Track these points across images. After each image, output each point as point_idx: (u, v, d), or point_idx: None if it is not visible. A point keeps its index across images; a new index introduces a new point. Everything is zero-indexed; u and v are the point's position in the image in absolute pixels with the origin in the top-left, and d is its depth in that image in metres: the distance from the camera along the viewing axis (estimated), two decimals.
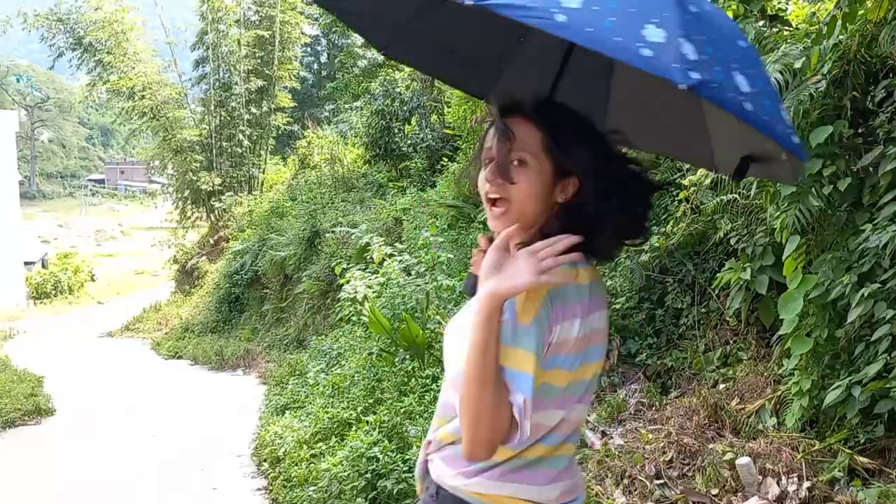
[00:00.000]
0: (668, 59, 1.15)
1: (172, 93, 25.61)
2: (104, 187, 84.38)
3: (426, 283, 5.77)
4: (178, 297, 25.31)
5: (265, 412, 7.40)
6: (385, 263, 6.30)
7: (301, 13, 25.55)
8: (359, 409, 4.72)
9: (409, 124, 14.06)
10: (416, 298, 5.26)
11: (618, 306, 4.96)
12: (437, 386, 4.46)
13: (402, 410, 3.98)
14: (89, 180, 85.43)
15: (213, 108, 25.23)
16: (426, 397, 4.35)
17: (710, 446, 3.57)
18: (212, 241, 23.91)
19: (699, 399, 4.12)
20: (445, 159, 10.09)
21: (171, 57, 26.74)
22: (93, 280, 45.43)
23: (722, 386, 4.25)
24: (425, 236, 6.82)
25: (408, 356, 4.84)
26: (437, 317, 5.40)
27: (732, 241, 4.45)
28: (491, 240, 1.46)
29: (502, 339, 1.33)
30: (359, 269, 6.19)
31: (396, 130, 14.54)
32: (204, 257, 23.42)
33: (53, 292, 42.74)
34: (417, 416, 3.94)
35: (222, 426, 8.20)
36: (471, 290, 1.53)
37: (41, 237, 56.92)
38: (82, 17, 24.96)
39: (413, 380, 4.57)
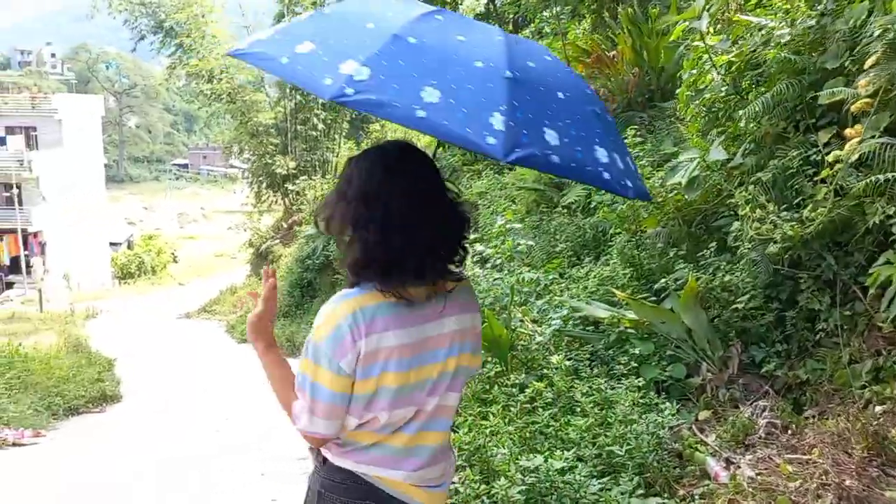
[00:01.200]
0: (508, 141, 1.37)
1: (249, 76, 25.62)
2: (188, 171, 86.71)
3: (505, 276, 5.11)
4: (253, 280, 25.41)
5: None
6: None
7: None
8: None
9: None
10: (493, 294, 4.61)
11: (739, 305, 4.17)
12: (524, 396, 3.80)
13: (486, 430, 3.34)
14: (174, 165, 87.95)
15: (288, 91, 25.11)
16: (511, 409, 3.70)
17: (885, 494, 2.79)
18: (286, 225, 23.82)
19: (851, 424, 3.32)
20: None
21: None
22: (175, 261, 46.61)
23: (879, 409, 3.44)
24: (500, 224, 6.15)
25: (489, 359, 4.21)
26: (520, 314, 4.73)
27: (890, 230, 3.61)
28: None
29: (302, 352, 1.68)
30: None
31: None
32: (278, 241, 23.35)
33: (137, 273, 44.00)
34: (505, 436, 3.30)
35: (285, 425, 7.73)
36: None
37: (128, 219, 58.78)
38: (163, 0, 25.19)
39: (495, 388, 3.93)
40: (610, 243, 5.83)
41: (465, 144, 1.40)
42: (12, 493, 5.83)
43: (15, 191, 35.33)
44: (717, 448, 3.66)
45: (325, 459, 1.76)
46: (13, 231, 36.03)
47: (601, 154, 1.59)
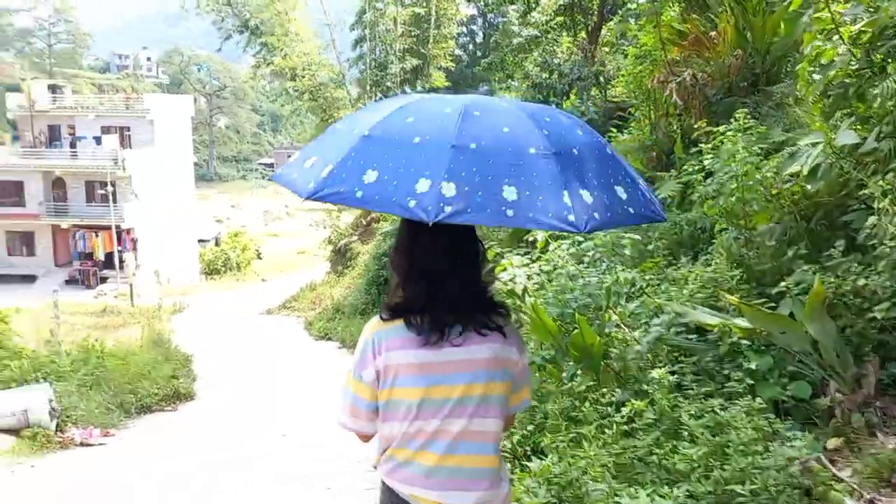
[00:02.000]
0: (427, 203, 1.60)
1: (331, 73, 25.73)
2: (273, 170, 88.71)
3: (603, 274, 4.54)
4: (331, 277, 25.46)
5: None
6: (550, 248, 5.11)
7: None
8: (515, 438, 3.60)
9: (568, 98, 12.92)
10: (589, 293, 4.06)
11: (877, 315, 3.52)
12: (621, 417, 3.27)
13: (579, 460, 2.83)
14: (260, 164, 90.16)
15: (368, 87, 25.05)
16: (606, 431, 3.17)
17: None
18: (364, 223, 23.73)
19: None
20: (613, 130, 8.76)
21: (330, 37, 26.85)
22: (259, 258, 47.54)
23: None
24: None
25: (579, 371, 3.70)
26: (616, 318, 4.18)
27: None
28: None
29: None
30: (518, 255, 5.04)
31: (555, 105, 13.52)
32: (356, 238, 23.28)
33: (223, 269, 45.05)
34: (599, 467, 2.78)
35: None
36: None
37: (216, 217, 60.41)
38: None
39: (586, 404, 3.42)
40: (711, 241, 5.22)
41: (389, 209, 1.66)
42: (64, 499, 5.66)
43: (110, 188, 36.66)
44: (855, 486, 3.05)
45: (382, 479, 1.96)
46: (108, 228, 37.39)
47: (620, 192, 1.81)
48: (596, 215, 1.64)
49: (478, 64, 29.55)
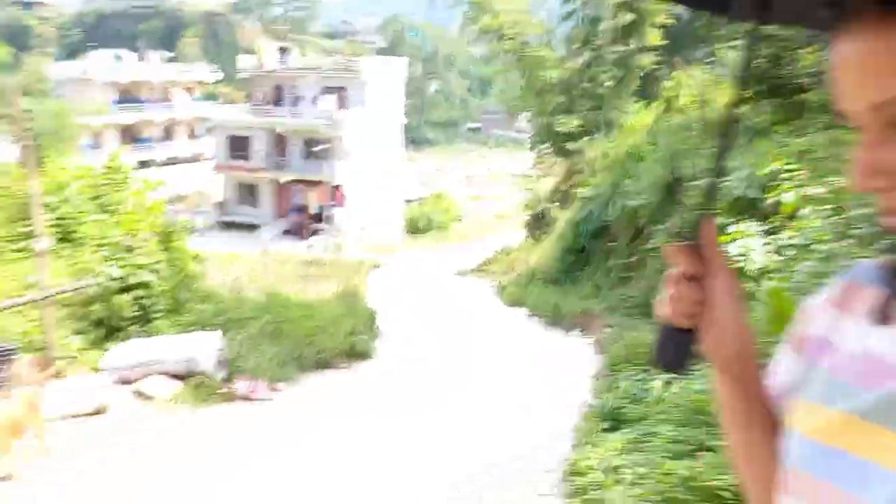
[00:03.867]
0: None
1: (537, 31, 24.68)
2: (479, 135, 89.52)
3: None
4: (528, 242, 24.71)
5: (588, 419, 5.34)
6: (799, 216, 3.82)
7: None
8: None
9: (808, 52, 10.97)
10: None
11: None
12: None
13: None
14: (467, 128, 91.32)
15: (577, 46, 23.69)
16: None
17: None
18: (564, 187, 22.61)
19: None
20: None
21: None
22: (459, 220, 48.03)
23: None
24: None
25: None
26: None
27: None
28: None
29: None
30: (753, 224, 3.81)
31: (788, 61, 11.57)
32: (556, 203, 22.25)
33: (425, 229, 46.00)
34: None
35: (535, 414, 6.48)
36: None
37: (421, 179, 61.94)
38: None
39: None
40: None
41: None
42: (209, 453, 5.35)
43: (325, 146, 38.50)
44: None
45: None
46: (321, 183, 39.39)
47: None
48: None
49: (700, 21, 27.06)
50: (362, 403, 7.13)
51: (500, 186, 56.59)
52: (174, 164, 48.04)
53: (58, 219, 11.43)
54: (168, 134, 51.59)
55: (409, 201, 49.41)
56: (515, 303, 16.79)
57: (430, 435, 5.71)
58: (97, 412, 6.06)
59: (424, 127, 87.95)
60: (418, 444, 5.46)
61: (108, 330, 7.88)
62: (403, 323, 12.99)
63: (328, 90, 42.16)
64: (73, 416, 5.95)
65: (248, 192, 43.57)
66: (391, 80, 44.69)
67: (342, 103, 41.58)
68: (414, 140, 76.67)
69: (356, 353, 9.23)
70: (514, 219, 38.78)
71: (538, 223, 23.94)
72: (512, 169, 58.10)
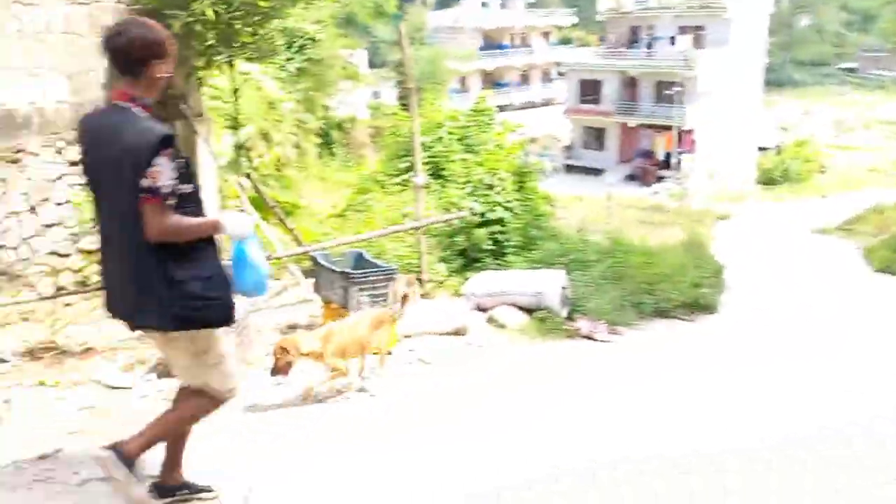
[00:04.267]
0: None
1: None
2: (854, 76, 78.69)
3: None
4: None
5: None
6: None
7: None
8: None
9: None
10: None
11: None
12: None
13: None
14: (839, 68, 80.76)
15: None
16: None
17: None
18: None
19: None
20: None
21: None
22: (822, 172, 43.29)
23: None
24: None
25: None
26: None
27: None
28: None
29: None
30: None
31: None
32: None
33: (780, 179, 42.38)
34: None
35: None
36: None
37: (781, 124, 56.75)
38: None
39: None
40: None
41: None
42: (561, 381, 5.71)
43: (676, 89, 37.16)
44: None
45: None
46: (669, 128, 38.23)
47: None
48: None
49: None
50: (705, 356, 7.02)
51: (876, 135, 49.58)
52: (529, 108, 50.15)
53: (430, 157, 12.82)
54: (524, 78, 53.89)
55: (763, 149, 45.77)
56: (887, 269, 14.85)
57: (777, 395, 5.45)
58: (457, 332, 6.83)
59: (789, 66, 79.64)
60: (762, 402, 5.27)
61: (468, 260, 8.74)
62: (752, 279, 12.31)
63: (684, 30, 40.39)
64: (438, 334, 6.78)
65: (595, 137, 43.96)
66: (755, 16, 41.21)
67: (699, 43, 39.57)
68: (776, 81, 69.98)
69: (700, 306, 9.02)
70: (889, 173, 33.85)
71: None
72: (891, 116, 50.46)
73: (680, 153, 38.04)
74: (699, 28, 40.32)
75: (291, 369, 4.93)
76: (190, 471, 3.31)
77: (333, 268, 6.31)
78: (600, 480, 3.75)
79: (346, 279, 6.10)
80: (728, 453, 4.13)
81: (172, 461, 3.21)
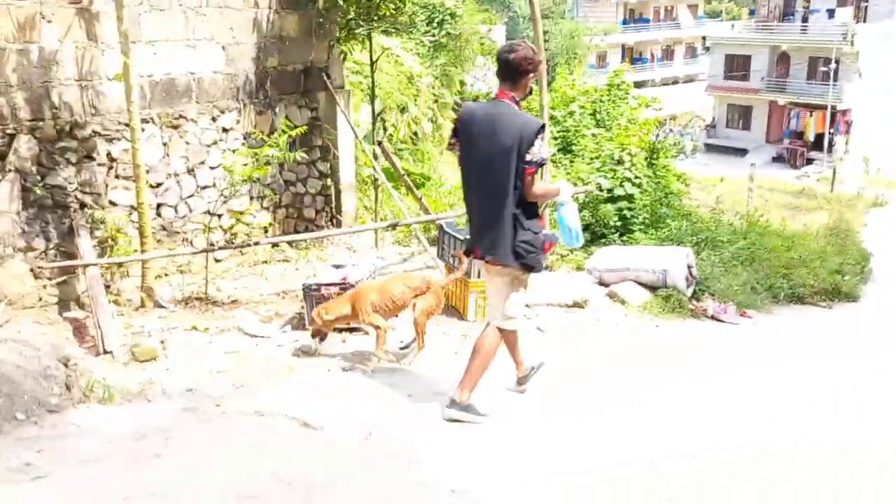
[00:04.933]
0: None
1: None
2: None
3: None
4: None
5: None
6: None
7: None
8: None
9: None
10: None
11: None
12: None
13: None
14: None
15: None
16: None
17: None
18: None
19: None
20: None
21: None
22: None
23: None
24: None
25: None
26: None
27: None
28: None
29: None
30: None
31: None
32: None
33: None
34: None
35: None
36: None
37: None
38: None
39: None
40: None
41: None
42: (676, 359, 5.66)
43: (832, 66, 34.71)
44: None
45: None
46: (823, 107, 35.83)
47: None
48: None
49: None
50: (838, 344, 6.73)
51: None
52: (672, 83, 48.43)
53: (560, 131, 12.78)
54: (668, 53, 52.03)
55: None
56: None
57: None
58: (577, 305, 6.89)
59: None
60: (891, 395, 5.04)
61: (594, 235, 8.71)
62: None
63: (844, 2, 37.52)
64: (559, 305, 6.87)
65: (741, 115, 41.88)
66: None
67: (860, 16, 36.68)
68: None
69: (840, 294, 8.60)
70: None
71: None
72: None
73: (833, 134, 35.60)
74: (862, 1, 37.36)
75: (326, 334, 5.25)
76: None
77: (458, 236, 6.53)
78: (698, 466, 3.76)
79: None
80: (842, 445, 4.02)
81: (472, 383, 4.18)
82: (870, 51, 35.16)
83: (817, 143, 36.27)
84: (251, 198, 7.81)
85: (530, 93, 4.16)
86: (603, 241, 8.67)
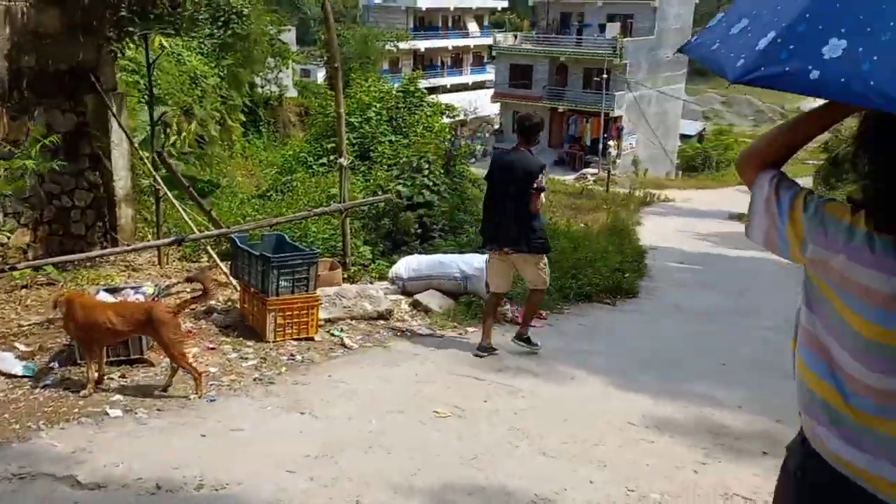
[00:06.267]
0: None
1: None
2: None
3: None
4: (823, 190, 22.41)
5: None
6: None
7: None
8: None
9: None
10: None
11: None
12: None
13: None
14: None
15: None
16: None
17: None
18: None
19: None
20: None
21: None
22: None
23: None
24: None
25: None
26: None
27: None
28: None
29: None
30: None
31: None
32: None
33: (701, 167, 43.68)
34: None
35: None
36: None
37: (704, 112, 58.45)
38: None
39: None
40: None
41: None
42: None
43: (605, 76, 37.65)
44: None
45: None
46: (597, 115, 38.79)
47: None
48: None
49: None
50: (624, 338, 7.16)
51: None
52: (461, 90, 50.08)
53: (357, 137, 12.59)
54: (457, 61, 53.81)
55: (686, 137, 47.01)
56: None
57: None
58: (381, 316, 6.71)
59: None
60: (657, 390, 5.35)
61: (395, 243, 8.61)
62: (670, 265, 12.57)
63: (614, 17, 40.96)
64: (362, 318, 6.65)
65: None
66: (681, 5, 42.16)
67: (628, 31, 40.24)
68: (699, 72, 71.94)
69: (622, 291, 9.13)
70: (805, 161, 35.25)
71: (836, 170, 21.60)
72: (810, 108, 52.40)
73: (606, 139, 38.67)
74: (629, 17, 40.98)
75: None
76: None
77: (252, 251, 6.10)
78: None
79: (264, 263, 5.89)
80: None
81: (525, 322, 6.45)
82: (635, 63, 38.64)
83: (594, 148, 39.17)
84: (5, 214, 6.82)
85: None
86: (404, 248, 8.58)
